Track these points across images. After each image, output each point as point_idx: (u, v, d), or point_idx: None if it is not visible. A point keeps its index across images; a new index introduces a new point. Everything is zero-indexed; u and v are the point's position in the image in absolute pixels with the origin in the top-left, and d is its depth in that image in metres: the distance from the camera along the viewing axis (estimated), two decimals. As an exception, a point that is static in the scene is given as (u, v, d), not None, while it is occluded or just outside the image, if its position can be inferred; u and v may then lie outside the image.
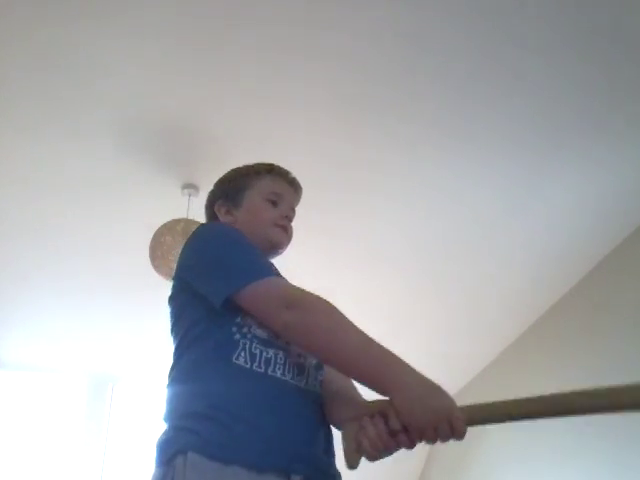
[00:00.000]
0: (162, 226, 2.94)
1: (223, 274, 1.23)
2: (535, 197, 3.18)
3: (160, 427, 1.19)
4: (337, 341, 1.14)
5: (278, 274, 1.30)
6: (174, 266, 1.37)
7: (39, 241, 3.43)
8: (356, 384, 1.25)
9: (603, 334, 3.41)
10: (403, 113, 2.69)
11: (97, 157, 2.92)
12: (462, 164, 2.98)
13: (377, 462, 1.12)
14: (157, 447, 1.14)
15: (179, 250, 1.37)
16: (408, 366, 1.09)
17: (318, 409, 1.23)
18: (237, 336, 1.19)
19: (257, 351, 1.18)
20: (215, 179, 1.52)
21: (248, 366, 1.16)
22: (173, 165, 2.98)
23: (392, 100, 2.64)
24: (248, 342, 1.18)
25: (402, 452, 1.11)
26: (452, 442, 1.06)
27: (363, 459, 1.11)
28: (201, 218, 1.56)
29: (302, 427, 1.16)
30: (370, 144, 2.86)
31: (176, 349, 1.27)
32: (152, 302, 3.11)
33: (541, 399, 1.04)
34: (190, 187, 3.07)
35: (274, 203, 1.43)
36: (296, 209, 1.51)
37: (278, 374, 1.18)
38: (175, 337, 1.28)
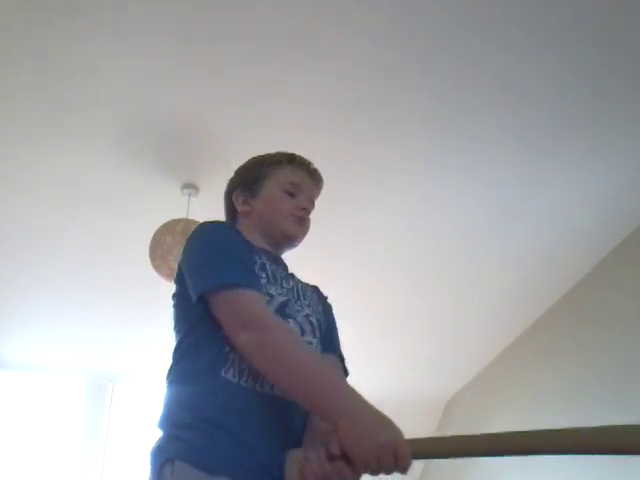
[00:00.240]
0: (162, 226, 2.93)
1: (203, 272, 1.22)
2: (523, 206, 3.22)
3: (156, 432, 1.19)
4: (287, 365, 1.11)
5: (274, 280, 1.28)
6: (174, 266, 1.38)
7: (39, 241, 3.43)
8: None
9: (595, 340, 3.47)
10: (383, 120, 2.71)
11: (97, 157, 2.92)
12: (451, 173, 3.00)
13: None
14: (150, 455, 1.15)
15: (179, 250, 1.37)
16: (359, 396, 1.06)
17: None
18: (227, 349, 1.18)
19: (245, 366, 1.16)
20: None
21: (236, 381, 1.16)
22: (173, 165, 2.98)
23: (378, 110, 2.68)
24: (237, 356, 1.17)
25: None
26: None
27: None
28: (201, 218, 1.54)
29: (291, 443, 1.15)
30: (370, 144, 2.87)
31: (174, 352, 1.27)
32: (152, 302, 3.12)
33: (489, 437, 1.04)
34: (190, 187, 3.06)
35: (292, 194, 1.40)
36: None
37: (266, 389, 1.17)
38: (176, 336, 1.28)
